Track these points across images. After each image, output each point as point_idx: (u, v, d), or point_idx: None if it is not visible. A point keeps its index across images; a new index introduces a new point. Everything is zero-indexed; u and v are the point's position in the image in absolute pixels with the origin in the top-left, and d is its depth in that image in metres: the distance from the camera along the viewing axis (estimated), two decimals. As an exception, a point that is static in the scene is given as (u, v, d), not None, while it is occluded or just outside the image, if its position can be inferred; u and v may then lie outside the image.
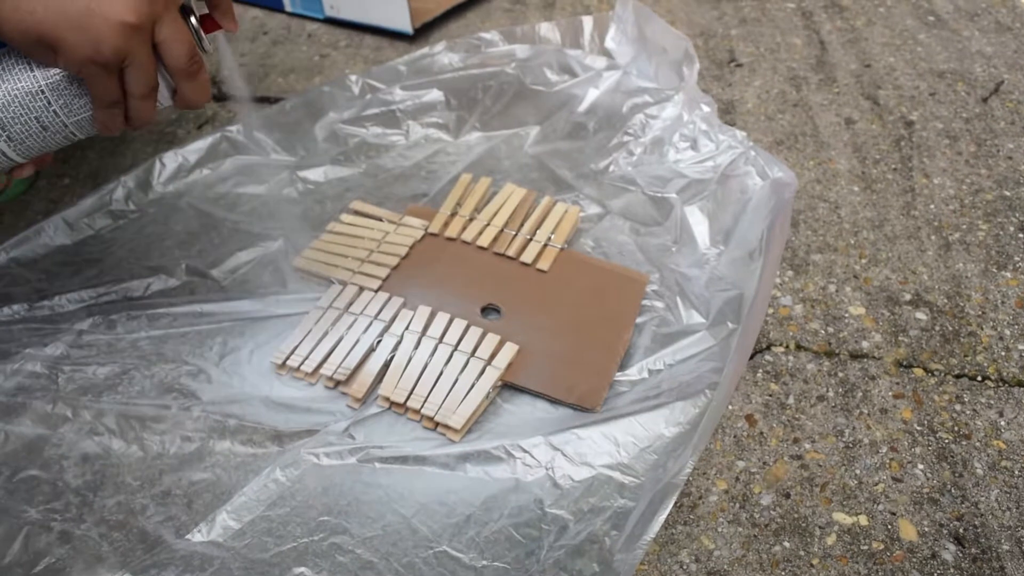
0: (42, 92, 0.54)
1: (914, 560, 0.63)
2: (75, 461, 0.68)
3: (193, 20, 0.58)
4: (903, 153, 1.01)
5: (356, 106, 1.03)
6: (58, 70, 0.54)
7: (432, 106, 1.03)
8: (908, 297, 0.83)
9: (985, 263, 0.86)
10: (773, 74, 1.16)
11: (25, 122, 0.55)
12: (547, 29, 1.10)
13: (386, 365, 0.73)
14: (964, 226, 0.91)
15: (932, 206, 0.94)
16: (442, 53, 1.09)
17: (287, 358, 0.74)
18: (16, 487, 0.66)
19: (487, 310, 0.80)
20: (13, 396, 0.71)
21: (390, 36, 1.26)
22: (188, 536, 0.62)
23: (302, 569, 0.60)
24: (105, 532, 0.63)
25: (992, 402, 0.74)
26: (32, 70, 0.54)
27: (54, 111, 0.55)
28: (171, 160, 0.96)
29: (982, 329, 0.80)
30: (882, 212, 0.93)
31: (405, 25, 1.23)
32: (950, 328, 0.80)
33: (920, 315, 0.81)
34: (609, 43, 1.07)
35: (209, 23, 0.61)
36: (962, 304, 0.82)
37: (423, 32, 1.25)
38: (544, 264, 0.83)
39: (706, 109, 0.94)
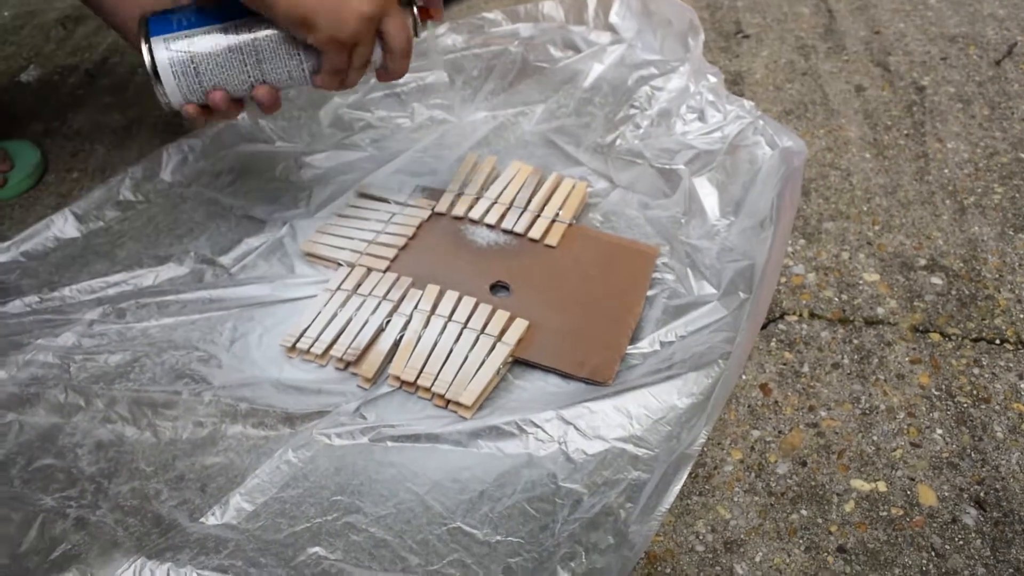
0: (292, 38, 0.68)
1: (934, 525, 0.62)
2: (89, 449, 0.68)
3: (414, 10, 0.71)
4: (915, 119, 1.00)
5: (360, 90, 1.02)
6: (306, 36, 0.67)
7: (436, 87, 1.03)
8: (923, 262, 0.82)
9: (1001, 226, 0.85)
10: (781, 44, 1.14)
11: (278, 65, 0.69)
12: (550, 7, 1.09)
13: (396, 344, 0.73)
14: (979, 189, 0.90)
15: (946, 170, 0.92)
16: (445, 34, 1.08)
17: (297, 341, 0.74)
18: (32, 476, 0.66)
19: (496, 287, 0.79)
20: (27, 386, 0.71)
21: None
22: (202, 519, 0.62)
23: (316, 549, 0.60)
24: (120, 517, 0.63)
25: (1011, 365, 0.73)
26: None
27: (298, 57, 0.69)
28: (177, 151, 0.96)
29: (999, 292, 0.79)
30: (895, 178, 0.92)
31: (408, 8, 1.22)
32: (967, 292, 0.79)
33: (936, 280, 0.80)
34: (613, 18, 1.06)
35: (422, 12, 0.73)
36: (978, 268, 0.81)
37: (427, 15, 1.25)
38: (553, 240, 0.82)
39: (713, 79, 0.93)
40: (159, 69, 0.67)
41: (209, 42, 0.67)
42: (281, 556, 0.59)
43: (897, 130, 0.98)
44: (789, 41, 1.15)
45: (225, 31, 0.67)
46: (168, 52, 0.67)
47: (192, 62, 0.67)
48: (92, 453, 0.68)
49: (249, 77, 0.69)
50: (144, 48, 0.67)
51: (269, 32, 0.68)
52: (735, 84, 1.07)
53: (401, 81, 1.03)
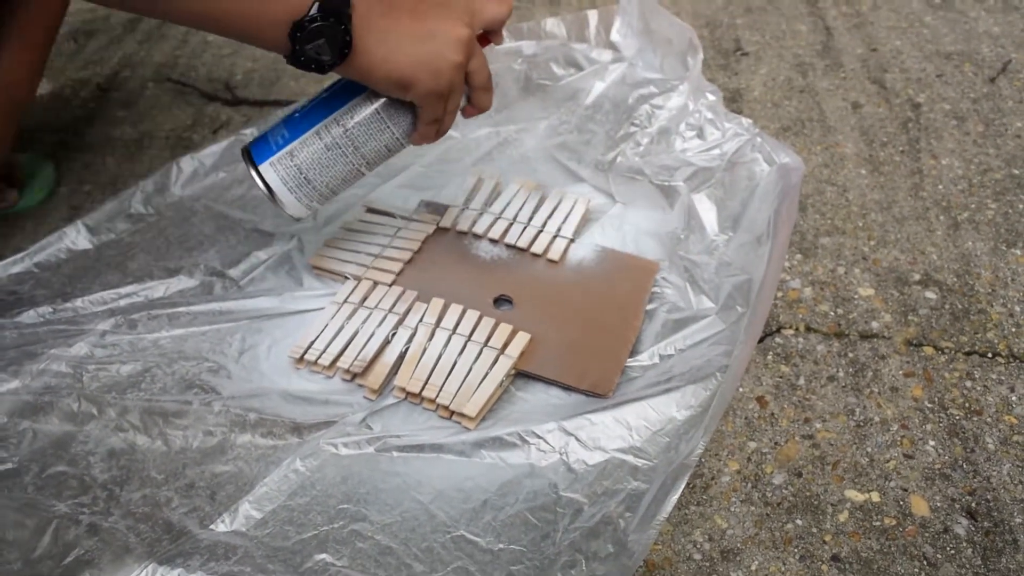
0: (378, 113, 0.71)
1: (927, 535, 0.64)
2: (101, 456, 0.69)
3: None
4: (911, 135, 1.02)
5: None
6: (384, 99, 0.71)
7: (441, 103, 1.05)
8: (917, 277, 0.84)
9: (995, 241, 0.87)
10: (779, 61, 1.16)
11: (374, 144, 0.73)
12: (553, 24, 1.11)
13: (401, 356, 0.75)
14: (973, 205, 0.91)
15: (940, 186, 0.94)
16: (450, 51, 1.10)
17: (304, 352, 0.75)
18: (45, 482, 0.68)
19: (499, 301, 0.81)
20: (40, 395, 0.73)
21: None
22: (212, 526, 0.64)
23: (323, 556, 0.61)
24: (132, 524, 0.64)
25: (1003, 378, 0.74)
26: (372, 103, 0.71)
27: (389, 129, 0.72)
28: (188, 164, 0.98)
29: (992, 307, 0.80)
30: (890, 194, 0.93)
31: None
32: (960, 306, 0.81)
33: (930, 294, 0.82)
34: (615, 36, 1.08)
35: (482, 40, 0.76)
36: (972, 282, 0.83)
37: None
38: (555, 255, 0.84)
39: (712, 98, 0.95)
40: (274, 190, 0.72)
41: (309, 149, 0.71)
42: (289, 563, 0.61)
43: (893, 146, 1.00)
44: (787, 58, 1.17)
45: (319, 134, 0.71)
46: (277, 172, 0.72)
47: (301, 172, 0.72)
48: (104, 461, 0.69)
49: (353, 165, 0.73)
50: (255, 176, 0.72)
51: (356, 119, 0.71)
52: (733, 101, 1.09)
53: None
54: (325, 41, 0.62)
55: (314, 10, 0.61)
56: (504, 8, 0.74)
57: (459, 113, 0.75)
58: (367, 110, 0.71)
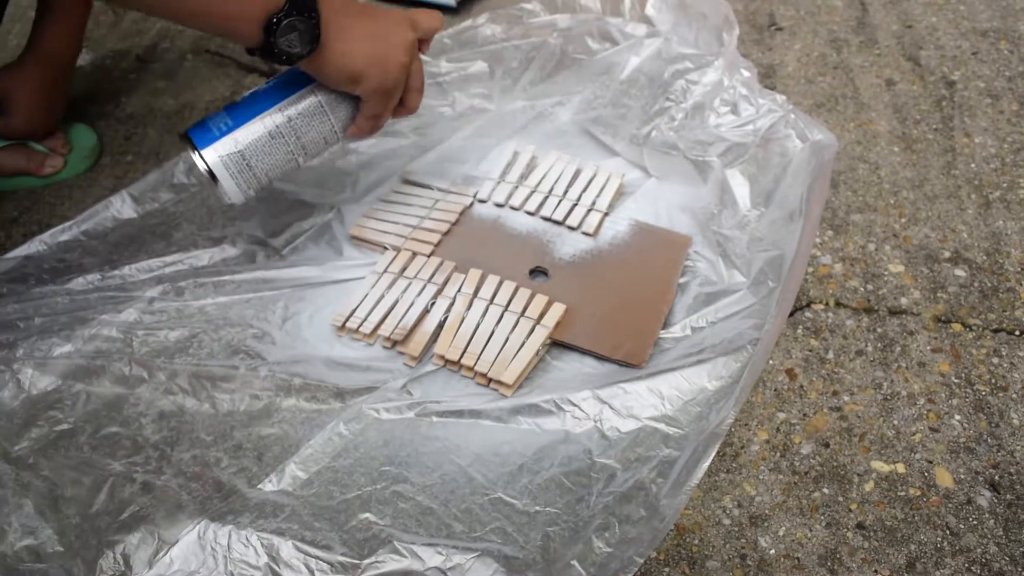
0: (321, 105, 0.75)
1: (950, 505, 0.65)
2: (152, 418, 0.72)
3: None
4: (944, 113, 1.02)
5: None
6: (328, 92, 0.75)
7: (477, 77, 1.06)
8: (947, 254, 0.85)
9: (1025, 220, 0.88)
10: (813, 37, 1.17)
11: (314, 134, 0.77)
12: (588, -2, 1.12)
13: (440, 325, 0.77)
14: (1005, 184, 0.92)
15: (973, 165, 0.95)
16: (485, 25, 1.11)
17: (346, 320, 0.78)
18: (100, 442, 0.71)
19: (535, 272, 0.83)
20: (93, 359, 0.76)
21: (434, 9, 1.28)
22: (260, 486, 0.67)
23: (367, 515, 0.64)
24: (183, 483, 0.67)
25: (1030, 355, 0.75)
26: (316, 95, 0.75)
27: (330, 120, 0.77)
28: (229, 135, 1.00)
29: (1021, 285, 0.81)
30: (922, 172, 0.94)
31: (449, -2, 1.26)
32: (989, 284, 0.82)
33: (959, 272, 0.83)
34: (649, 10, 1.09)
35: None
36: (1001, 261, 0.84)
37: (466, 4, 1.28)
38: (589, 228, 0.86)
39: (746, 74, 0.96)
40: (217, 174, 0.74)
41: (252, 136, 0.74)
42: (334, 521, 0.64)
43: (926, 124, 1.01)
44: (822, 34, 1.17)
45: (263, 121, 0.74)
46: (220, 157, 0.74)
47: (243, 158, 0.74)
48: (155, 422, 0.72)
49: (292, 154, 0.77)
50: (196, 158, 0.74)
51: (300, 109, 0.75)
52: (767, 76, 1.10)
53: (443, 71, 1.06)
54: (297, 34, 0.67)
55: (287, 5, 0.65)
56: (436, 21, 0.80)
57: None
58: (311, 101, 0.75)
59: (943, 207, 0.90)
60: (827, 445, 0.70)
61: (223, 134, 0.74)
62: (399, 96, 0.78)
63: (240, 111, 0.75)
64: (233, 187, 0.75)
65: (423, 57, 0.83)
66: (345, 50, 0.70)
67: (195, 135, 0.74)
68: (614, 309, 0.78)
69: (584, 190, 0.90)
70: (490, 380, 0.73)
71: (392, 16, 0.75)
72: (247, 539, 0.62)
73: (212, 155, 0.73)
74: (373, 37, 0.72)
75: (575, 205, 0.88)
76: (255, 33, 0.66)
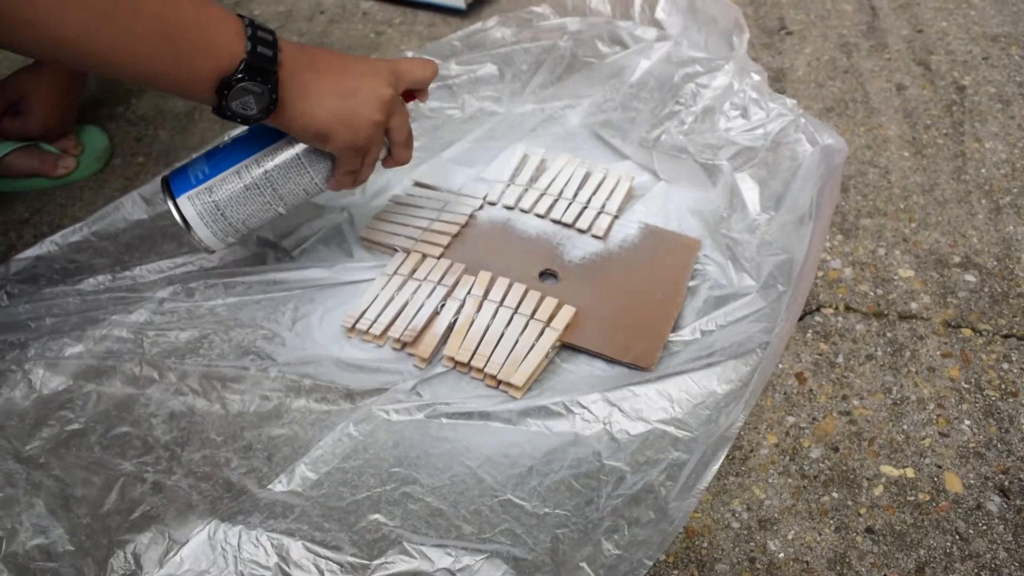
0: (299, 159, 0.74)
1: (959, 511, 0.65)
2: (163, 419, 0.73)
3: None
4: (954, 118, 1.02)
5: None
6: (303, 146, 0.73)
7: (486, 80, 1.07)
8: (957, 260, 0.85)
9: (1036, 225, 0.88)
10: (823, 41, 1.17)
11: (292, 187, 0.75)
12: (598, 1, 1.12)
13: (450, 327, 0.77)
14: (1015, 189, 0.92)
15: (983, 170, 0.94)
16: (495, 28, 1.12)
17: (356, 322, 0.78)
18: (110, 442, 0.71)
19: (544, 275, 0.83)
20: (103, 359, 0.76)
21: (443, 12, 1.29)
22: (270, 486, 0.67)
23: (376, 515, 0.64)
24: (194, 483, 0.68)
25: (1040, 360, 0.75)
26: (294, 148, 0.74)
27: (309, 174, 0.75)
28: (239, 137, 1.00)
29: (1031, 290, 0.81)
30: (932, 177, 0.94)
31: (458, 1, 1.26)
32: (999, 289, 0.82)
33: (969, 277, 0.83)
34: (659, 14, 1.09)
35: (407, 95, 0.78)
36: (1011, 266, 0.84)
37: (476, 7, 1.28)
38: (599, 231, 0.86)
39: (756, 78, 0.96)
40: (191, 223, 0.74)
41: (228, 187, 0.73)
42: (344, 522, 0.64)
43: (936, 129, 1.00)
44: (831, 38, 1.17)
45: (239, 173, 0.73)
46: (195, 206, 0.73)
47: (218, 209, 0.74)
48: (166, 423, 0.72)
49: (270, 204, 0.75)
50: (171, 206, 0.73)
51: (277, 162, 0.74)
52: (777, 80, 1.10)
53: (452, 73, 1.07)
54: (253, 97, 0.64)
55: (242, 68, 0.63)
56: (428, 70, 0.77)
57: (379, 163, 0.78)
58: (288, 155, 0.74)
59: (953, 212, 0.90)
60: (836, 449, 0.70)
61: (199, 183, 0.73)
62: (379, 151, 0.75)
63: (218, 159, 0.74)
64: (208, 235, 0.75)
65: (420, 104, 0.82)
66: (307, 110, 0.68)
67: (174, 181, 0.74)
68: (624, 312, 0.78)
69: (594, 193, 0.90)
70: (500, 382, 0.73)
71: (367, 71, 0.71)
72: (257, 539, 0.62)
73: (187, 204, 0.73)
74: (340, 94, 0.69)
75: (585, 208, 0.88)
76: (207, 94, 0.64)
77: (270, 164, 0.73)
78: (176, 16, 0.61)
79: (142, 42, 0.60)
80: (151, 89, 0.65)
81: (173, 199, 0.73)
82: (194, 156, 0.76)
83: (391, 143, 0.76)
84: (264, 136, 0.73)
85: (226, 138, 0.76)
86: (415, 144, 0.98)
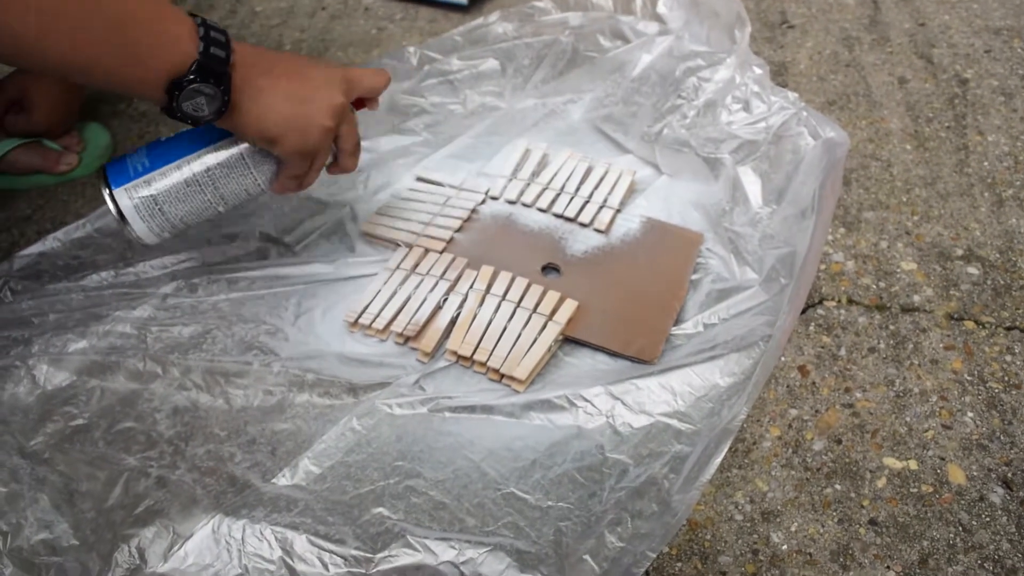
0: (243, 159, 0.73)
1: (962, 502, 0.65)
2: (167, 413, 0.73)
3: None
4: (957, 111, 1.02)
5: (415, 77, 1.06)
6: (248, 146, 0.73)
7: (488, 75, 1.06)
8: (960, 252, 0.85)
9: (1038, 218, 0.87)
10: (825, 35, 1.17)
11: (234, 186, 0.74)
12: (599, -4, 1.12)
13: (453, 321, 0.78)
14: (1018, 182, 0.92)
15: (986, 163, 0.94)
16: (497, 23, 1.12)
17: (359, 316, 0.78)
18: (114, 437, 0.71)
19: (547, 269, 0.83)
20: (107, 355, 0.76)
21: (445, 7, 1.29)
22: (274, 480, 0.67)
23: (380, 509, 0.64)
24: (198, 477, 0.68)
25: (1043, 352, 0.75)
26: (238, 147, 0.73)
27: (252, 174, 0.74)
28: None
29: (1034, 282, 0.81)
30: (935, 170, 0.94)
31: (460, -4, 1.26)
32: (1002, 282, 0.81)
33: (972, 270, 0.83)
34: (661, 8, 1.09)
35: (357, 103, 0.78)
36: (1014, 258, 0.84)
37: (477, 3, 1.28)
38: (601, 225, 0.86)
39: (758, 71, 0.96)
40: (126, 216, 0.72)
41: (167, 182, 0.72)
42: (347, 515, 0.64)
43: (938, 122, 1.00)
44: (833, 32, 1.17)
45: (179, 168, 0.72)
46: (132, 199, 0.71)
47: (156, 203, 0.72)
48: (169, 418, 0.72)
49: (211, 203, 0.74)
50: (107, 197, 0.72)
51: (220, 160, 0.72)
52: (779, 74, 1.10)
53: (454, 68, 1.07)
54: (205, 99, 0.63)
55: (193, 69, 0.62)
56: (381, 80, 0.77)
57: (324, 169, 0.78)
58: (232, 154, 0.73)
59: (956, 205, 0.90)
60: (839, 441, 0.70)
61: (138, 175, 0.71)
62: (326, 157, 0.75)
63: (159, 153, 0.72)
64: (144, 230, 0.73)
65: (371, 112, 0.81)
66: (260, 113, 0.67)
67: (111, 172, 0.72)
68: (626, 305, 0.78)
69: (596, 187, 0.90)
70: (502, 376, 0.73)
71: (321, 77, 0.71)
72: (261, 533, 0.62)
73: (123, 196, 0.71)
74: (294, 99, 0.68)
75: (587, 202, 0.88)
76: (158, 93, 0.63)
77: (213, 162, 0.72)
78: (127, 14, 0.60)
79: (93, 40, 0.59)
80: (101, 89, 0.64)
81: (110, 190, 0.71)
82: (136, 147, 0.75)
83: (338, 150, 0.76)
84: (208, 132, 0.72)
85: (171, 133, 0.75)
86: (417, 140, 0.99)
